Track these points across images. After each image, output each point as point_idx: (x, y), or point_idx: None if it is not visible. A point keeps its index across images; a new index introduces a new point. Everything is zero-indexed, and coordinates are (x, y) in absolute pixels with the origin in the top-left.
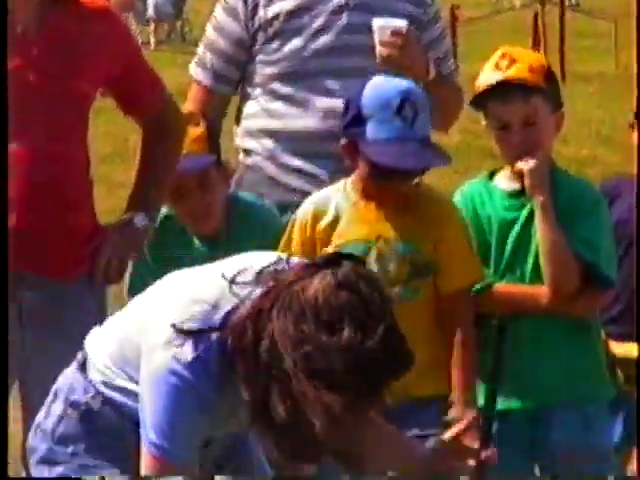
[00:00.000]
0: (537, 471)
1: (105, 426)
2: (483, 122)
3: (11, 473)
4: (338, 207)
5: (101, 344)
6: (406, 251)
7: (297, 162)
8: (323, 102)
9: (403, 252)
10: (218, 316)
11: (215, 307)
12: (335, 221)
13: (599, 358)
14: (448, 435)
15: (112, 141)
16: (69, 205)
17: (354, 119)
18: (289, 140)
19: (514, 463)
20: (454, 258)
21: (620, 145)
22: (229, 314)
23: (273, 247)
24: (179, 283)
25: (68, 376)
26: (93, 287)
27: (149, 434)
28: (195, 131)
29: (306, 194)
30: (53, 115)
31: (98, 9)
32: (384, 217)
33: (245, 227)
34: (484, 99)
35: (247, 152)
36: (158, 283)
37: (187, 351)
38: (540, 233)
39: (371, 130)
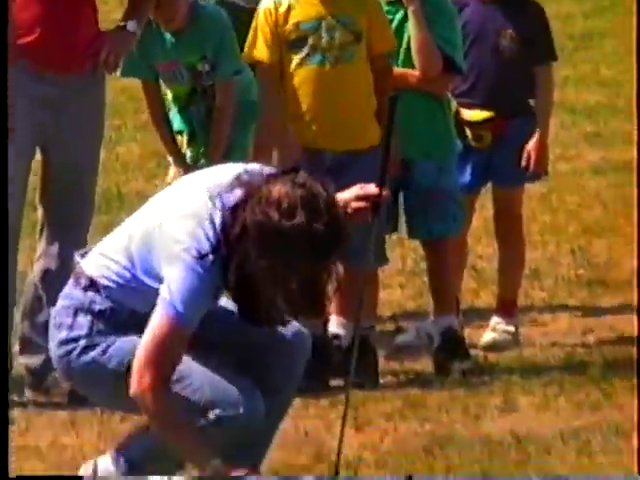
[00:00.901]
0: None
1: (111, 316)
2: None
3: None
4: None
5: (107, 249)
6: (347, 22)
7: None
8: None
9: (345, 24)
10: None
11: (210, 221)
12: (290, 8)
13: (448, 122)
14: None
15: None
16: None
17: None
18: None
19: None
20: (378, 27)
21: None
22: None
23: (226, 39)
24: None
25: (72, 296)
26: (97, 76)
27: (173, 298)
28: None
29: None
30: None
31: None
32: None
33: (202, 24)
34: None
35: None
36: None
37: (204, 247)
38: (413, 32)
39: None
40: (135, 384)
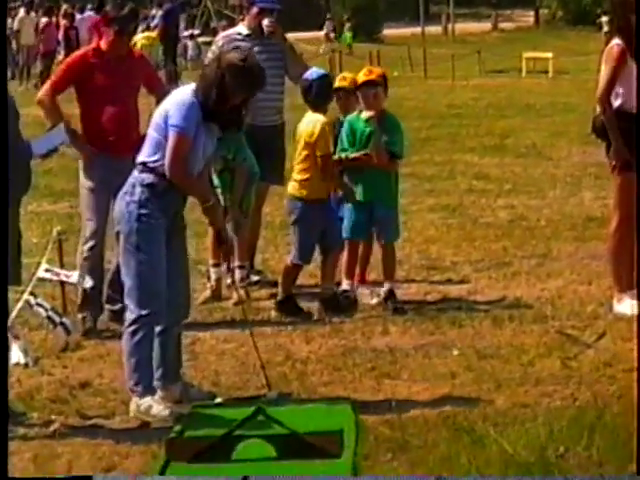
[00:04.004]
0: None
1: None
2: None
3: None
4: None
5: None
6: None
7: None
8: None
9: None
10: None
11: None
12: None
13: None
14: None
15: None
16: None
17: None
18: None
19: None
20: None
21: None
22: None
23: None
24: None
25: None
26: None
27: (174, 122)
28: None
29: None
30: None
31: None
32: None
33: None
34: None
35: None
36: None
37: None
38: (372, 140)
39: None
40: (167, 173)
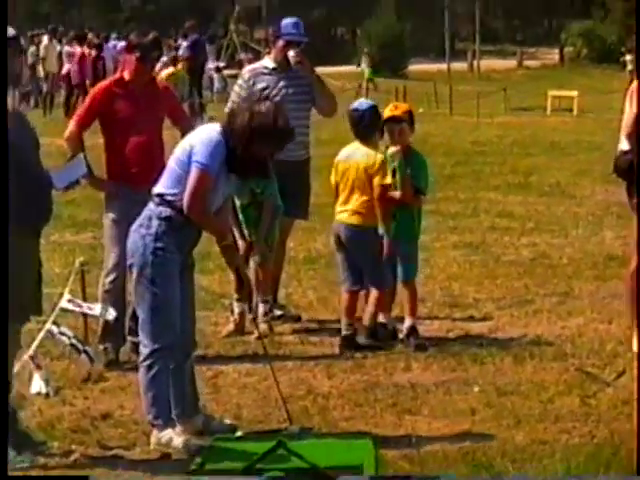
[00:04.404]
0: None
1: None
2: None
3: None
4: None
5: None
6: None
7: None
8: None
9: None
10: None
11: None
12: None
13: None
14: None
15: None
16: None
17: None
18: None
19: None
20: None
21: None
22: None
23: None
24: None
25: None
26: None
27: (199, 159)
28: None
29: None
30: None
31: None
32: None
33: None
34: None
35: None
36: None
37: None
38: (398, 176)
39: None
40: (185, 209)
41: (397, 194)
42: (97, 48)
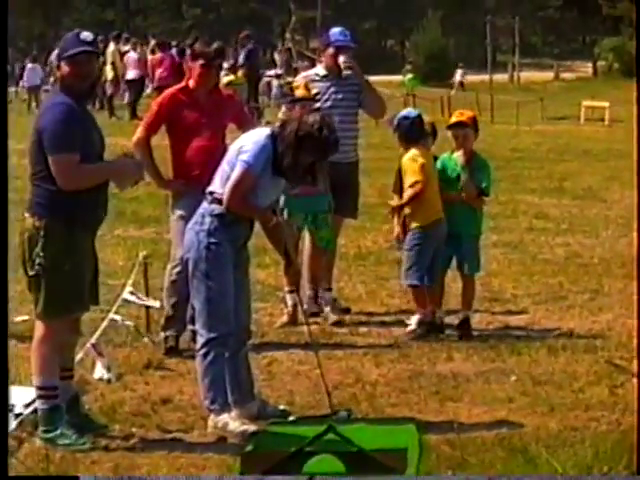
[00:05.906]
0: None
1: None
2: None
3: None
4: None
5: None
6: None
7: None
8: None
9: None
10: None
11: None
12: None
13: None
14: None
15: None
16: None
17: None
18: None
19: None
20: None
21: None
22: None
23: None
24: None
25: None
26: None
27: (244, 158)
28: None
29: None
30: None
31: None
32: None
33: None
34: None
35: None
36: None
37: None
38: (462, 179)
39: None
40: (224, 203)
41: (462, 195)
42: (179, 54)
